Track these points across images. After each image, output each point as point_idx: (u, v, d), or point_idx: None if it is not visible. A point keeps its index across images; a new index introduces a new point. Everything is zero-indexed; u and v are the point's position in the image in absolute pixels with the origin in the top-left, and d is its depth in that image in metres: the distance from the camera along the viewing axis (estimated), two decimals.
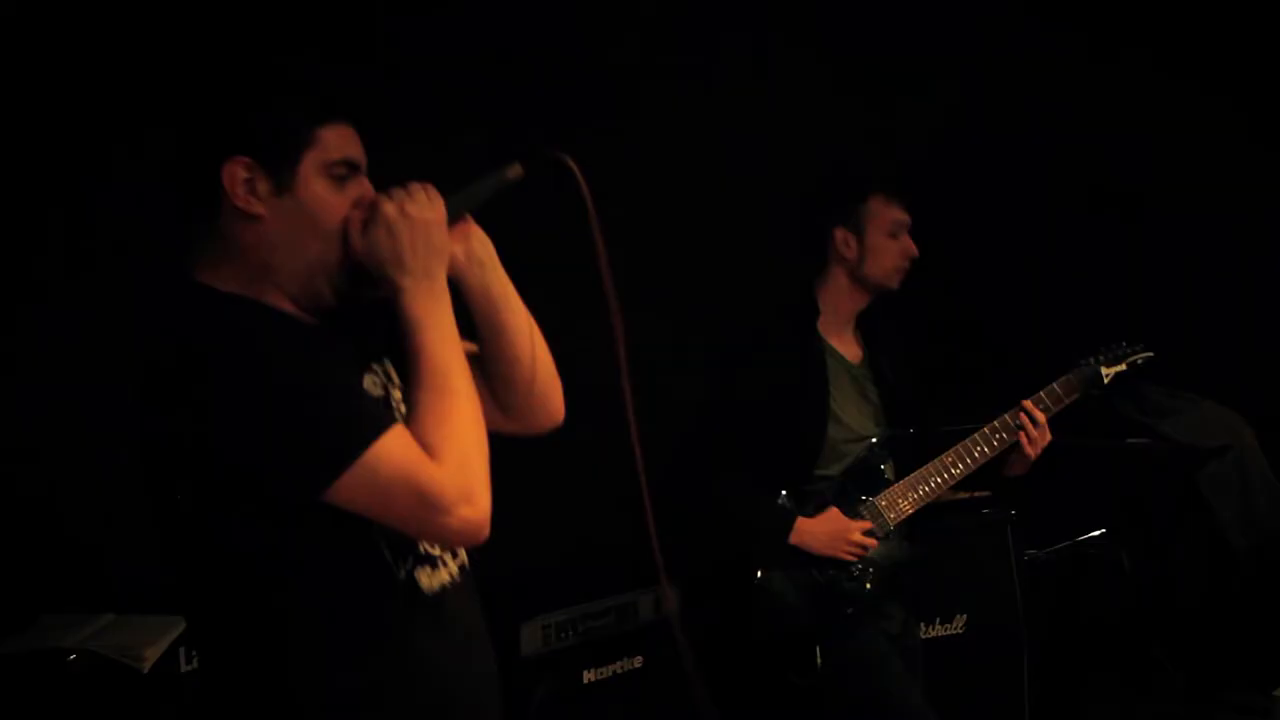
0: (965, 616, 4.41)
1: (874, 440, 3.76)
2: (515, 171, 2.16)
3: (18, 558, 3.38)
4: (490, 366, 2.22)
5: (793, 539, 3.61)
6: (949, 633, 4.39)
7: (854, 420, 3.76)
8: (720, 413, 3.76)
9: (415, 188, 2.06)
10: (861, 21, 5.23)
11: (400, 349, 2.05)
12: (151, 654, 3.07)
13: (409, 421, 1.96)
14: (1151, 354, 3.92)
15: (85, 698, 3.03)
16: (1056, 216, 5.64)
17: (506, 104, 4.35)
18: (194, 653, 3.12)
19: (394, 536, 2.01)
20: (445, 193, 2.09)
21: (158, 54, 3.66)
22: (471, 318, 2.19)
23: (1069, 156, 5.54)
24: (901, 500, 3.71)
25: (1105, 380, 3.84)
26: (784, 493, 3.69)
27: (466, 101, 4.26)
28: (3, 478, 3.43)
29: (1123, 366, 3.87)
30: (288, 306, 2.04)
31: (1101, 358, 3.87)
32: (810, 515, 3.65)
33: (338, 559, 1.96)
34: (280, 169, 2.00)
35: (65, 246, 3.63)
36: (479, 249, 2.20)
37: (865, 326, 3.88)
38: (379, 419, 1.92)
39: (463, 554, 2.19)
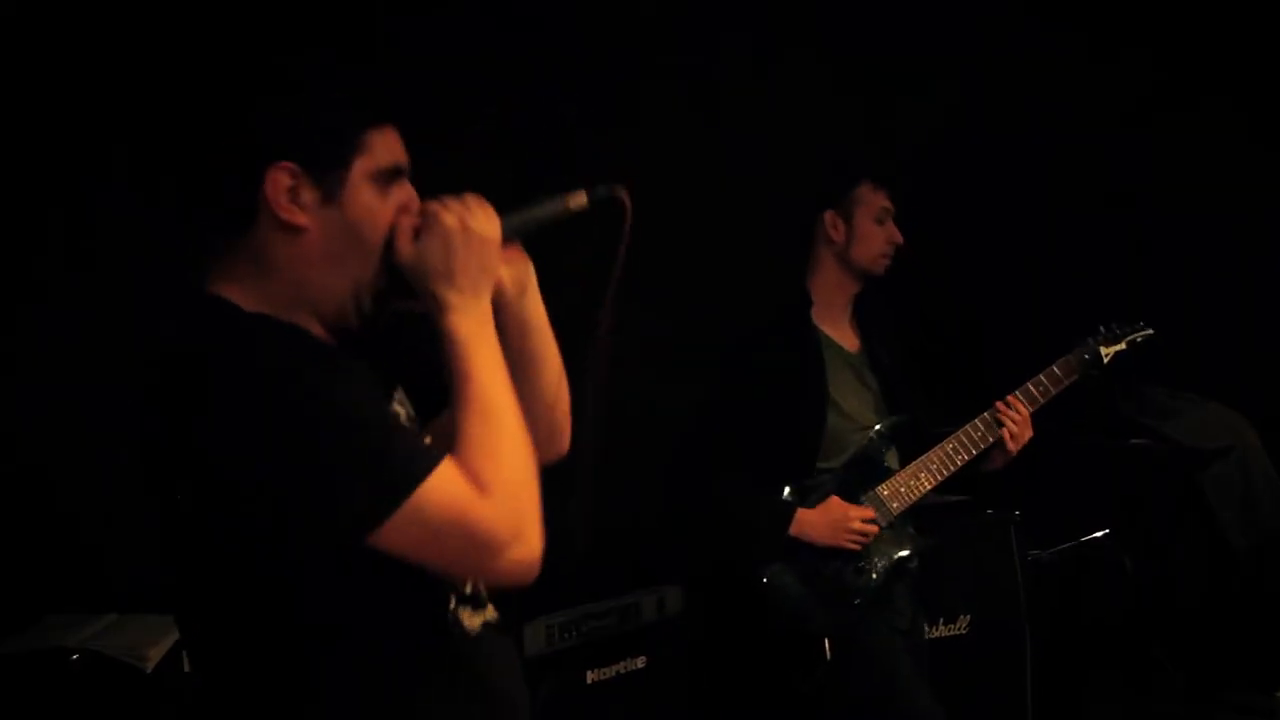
0: (969, 616, 4.41)
1: (876, 429, 3.76)
2: (579, 201, 2.04)
3: (21, 558, 3.38)
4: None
5: (793, 531, 3.61)
6: (953, 633, 4.39)
7: (854, 409, 3.77)
8: (720, 413, 3.76)
9: (473, 201, 1.93)
10: (861, 21, 5.23)
11: (419, 373, 1.98)
12: (154, 654, 3.07)
13: (455, 453, 1.80)
14: (1151, 331, 3.92)
15: (88, 698, 3.02)
16: (1056, 216, 5.64)
17: (504, 104, 4.35)
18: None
19: (440, 576, 1.88)
20: (500, 211, 1.96)
21: (157, 54, 3.66)
22: (501, 343, 2.01)
23: (1069, 156, 5.53)
24: (905, 489, 3.71)
25: (1105, 360, 3.85)
26: (787, 488, 3.69)
27: (464, 102, 4.25)
28: (4, 477, 3.43)
29: (1122, 345, 3.87)
30: (316, 329, 1.91)
31: (1101, 336, 3.88)
32: (811, 507, 3.66)
33: (379, 600, 1.82)
34: (329, 176, 1.85)
35: (65, 246, 3.62)
36: (523, 275, 2.07)
37: (861, 315, 3.90)
38: (428, 454, 1.77)
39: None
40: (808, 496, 3.67)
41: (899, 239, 3.81)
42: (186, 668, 3.12)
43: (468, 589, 1.95)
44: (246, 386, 1.73)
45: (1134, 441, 5.05)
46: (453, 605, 1.91)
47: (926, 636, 4.03)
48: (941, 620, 4.38)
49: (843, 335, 3.85)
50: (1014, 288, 5.64)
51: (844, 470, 3.72)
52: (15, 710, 3.01)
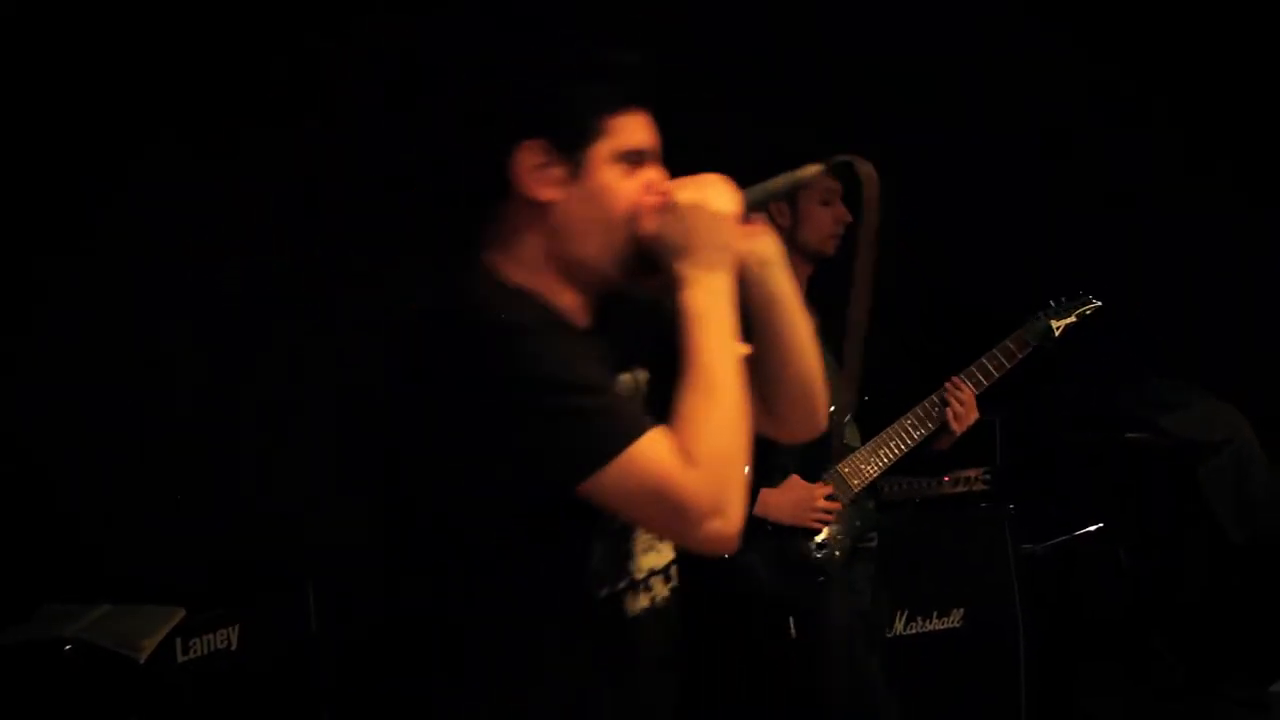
0: (963, 610, 4.40)
1: (834, 407, 3.78)
2: (813, 171, 2.13)
3: (17, 548, 3.40)
4: (764, 370, 2.13)
5: (757, 510, 3.61)
6: (946, 626, 4.38)
7: None
8: None
9: (713, 179, 2.02)
10: (861, 21, 5.23)
11: (669, 350, 2.01)
12: (148, 644, 3.08)
13: (672, 423, 1.89)
14: (1099, 304, 3.95)
15: (82, 687, 3.04)
16: (1056, 216, 5.64)
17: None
18: (191, 643, 3.15)
19: (608, 551, 1.99)
20: (740, 186, 2.05)
21: (159, 53, 3.69)
22: (751, 318, 2.11)
23: (1069, 156, 5.54)
24: (864, 466, 3.74)
25: (1056, 333, 3.88)
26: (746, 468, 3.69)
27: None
28: (4, 472, 3.45)
29: (1072, 318, 3.91)
30: (566, 299, 2.02)
31: (1050, 310, 3.92)
32: (773, 486, 3.66)
33: (535, 571, 1.93)
34: (573, 156, 1.96)
35: (65, 246, 3.64)
36: (765, 248, 2.11)
37: (814, 297, 3.92)
38: (639, 421, 1.87)
39: (675, 576, 2.15)
40: (768, 475, 3.69)
41: (847, 217, 3.78)
42: (180, 658, 3.16)
43: (636, 573, 2.04)
44: (483, 346, 1.85)
45: (1129, 435, 5.06)
46: (622, 586, 2.01)
47: (920, 630, 4.04)
48: (935, 613, 4.37)
49: None
50: (1014, 287, 5.64)
51: (803, 449, 3.72)
52: (10, 700, 3.03)
